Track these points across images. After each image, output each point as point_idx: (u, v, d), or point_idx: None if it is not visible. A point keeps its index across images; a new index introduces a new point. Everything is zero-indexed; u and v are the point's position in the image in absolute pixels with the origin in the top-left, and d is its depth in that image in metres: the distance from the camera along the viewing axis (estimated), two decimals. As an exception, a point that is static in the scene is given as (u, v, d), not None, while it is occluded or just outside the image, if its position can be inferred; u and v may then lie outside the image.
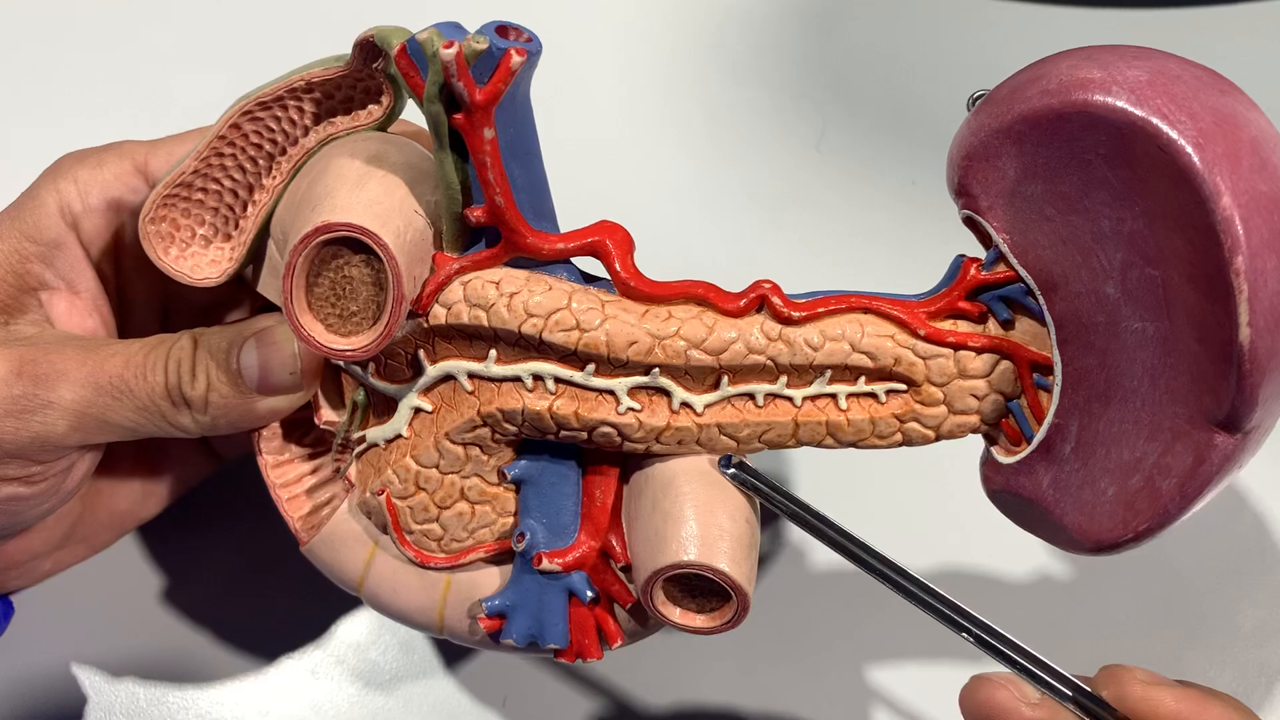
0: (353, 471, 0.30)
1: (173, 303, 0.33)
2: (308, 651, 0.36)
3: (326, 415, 0.30)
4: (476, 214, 0.26)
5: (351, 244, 0.26)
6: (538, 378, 0.27)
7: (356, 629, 0.36)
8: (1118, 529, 0.26)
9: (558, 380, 0.27)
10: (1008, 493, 0.28)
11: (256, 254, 0.30)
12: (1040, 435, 0.27)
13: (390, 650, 0.36)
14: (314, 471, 0.32)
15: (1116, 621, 0.36)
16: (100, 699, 0.35)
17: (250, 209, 0.29)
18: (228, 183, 0.29)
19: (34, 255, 0.29)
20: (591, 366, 0.27)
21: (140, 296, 0.32)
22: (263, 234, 0.29)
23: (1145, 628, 0.36)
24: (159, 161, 0.30)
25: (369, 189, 0.26)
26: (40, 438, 0.28)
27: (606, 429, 0.27)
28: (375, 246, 0.25)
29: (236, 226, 0.30)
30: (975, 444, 0.28)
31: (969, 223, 0.27)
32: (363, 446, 0.30)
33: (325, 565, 0.30)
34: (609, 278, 0.27)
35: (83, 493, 0.31)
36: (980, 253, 0.27)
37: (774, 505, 0.27)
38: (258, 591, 0.36)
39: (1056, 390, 0.26)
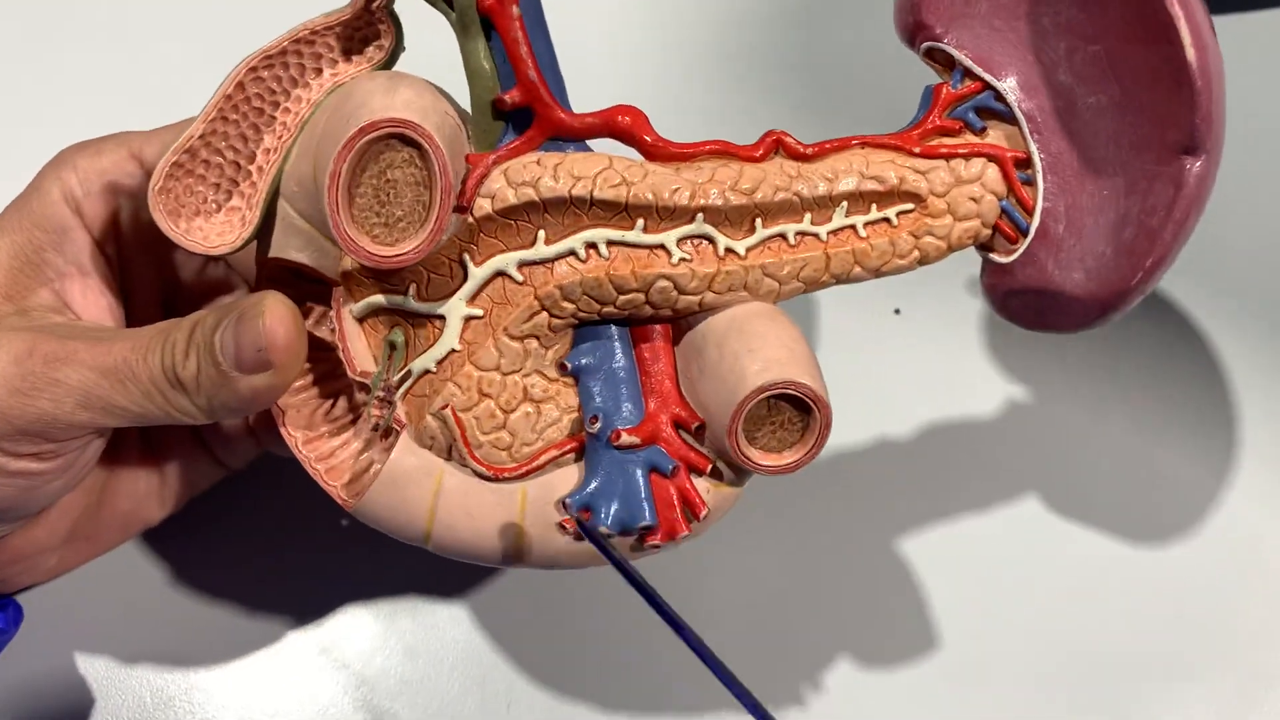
0: (400, 412, 0.29)
1: (173, 287, 0.33)
2: (314, 656, 0.36)
3: (361, 367, 0.30)
4: (511, 95, 0.28)
5: (393, 144, 0.27)
6: (591, 245, 0.28)
7: (362, 635, 0.36)
8: (1127, 275, 0.29)
9: (610, 243, 0.28)
10: (1015, 291, 0.31)
11: (267, 220, 0.30)
12: (1035, 221, 0.30)
13: (395, 655, 0.36)
14: (345, 444, 0.31)
15: (1113, 624, 0.37)
16: (107, 703, 0.35)
17: (256, 175, 0.30)
18: (229, 154, 0.29)
19: (47, 244, 0.30)
20: (641, 222, 0.28)
21: (141, 281, 0.32)
22: (272, 197, 0.30)
23: (1143, 630, 0.37)
24: (154, 149, 0.31)
25: (401, 93, 0.27)
26: (48, 415, 0.28)
27: (663, 283, 0.28)
28: (420, 138, 0.27)
29: (241, 195, 0.30)
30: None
31: (929, 55, 0.31)
32: (409, 382, 0.29)
33: (388, 509, 0.29)
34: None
35: (87, 487, 0.31)
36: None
37: (609, 557, 0.27)
38: (264, 597, 0.36)
39: (1039, 178, 0.30)
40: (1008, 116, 0.30)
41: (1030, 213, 0.30)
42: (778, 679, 0.36)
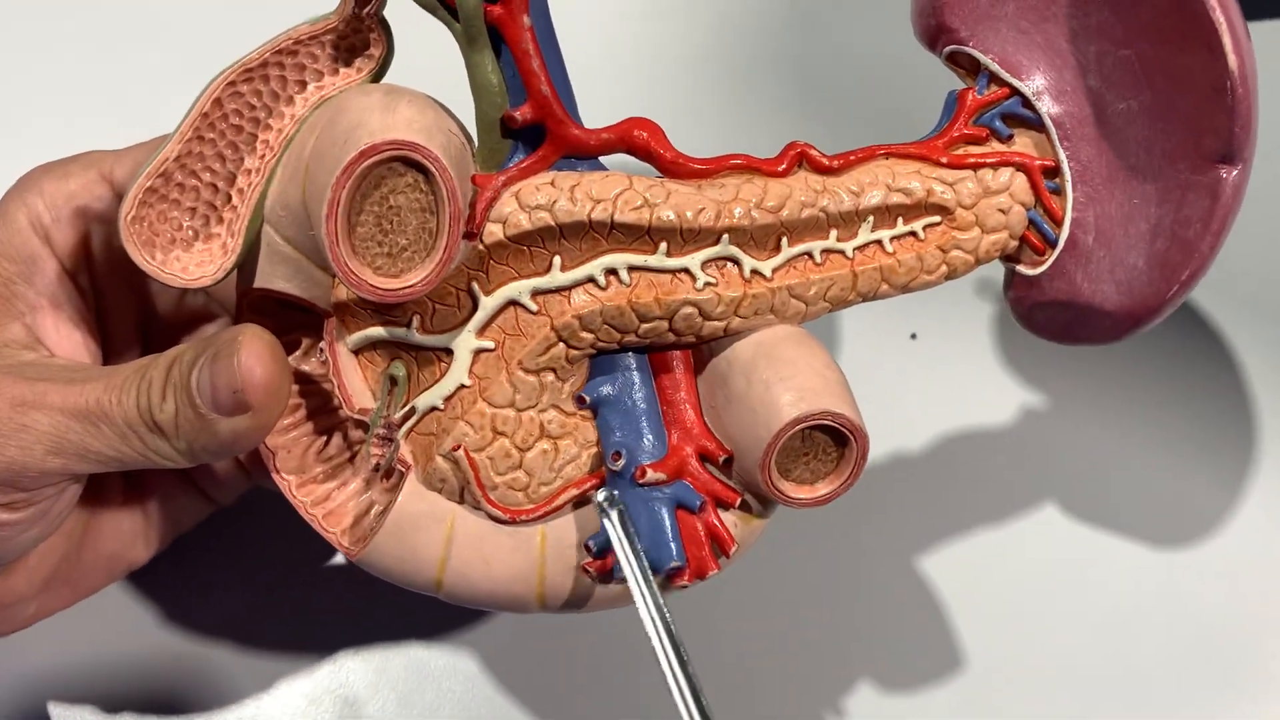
0: (404, 452, 0.27)
1: (151, 317, 0.31)
2: (302, 708, 0.34)
3: (359, 403, 0.27)
4: (522, 112, 0.26)
5: (396, 168, 0.25)
6: (611, 271, 0.26)
7: (353, 684, 0.34)
8: (1161, 289, 0.28)
9: (632, 268, 0.26)
10: (1042, 304, 0.30)
11: (250, 248, 0.27)
12: (1064, 233, 0.29)
13: (389, 705, 0.34)
14: (343, 484, 0.29)
15: (1148, 668, 0.36)
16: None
17: (237, 199, 0.27)
18: (207, 175, 0.27)
19: (16, 275, 0.28)
20: (664, 245, 0.26)
21: (118, 311, 0.30)
22: (255, 223, 0.27)
23: (1178, 674, 0.36)
24: (124, 170, 0.29)
25: (402, 111, 0.25)
26: (17, 464, 0.26)
27: (688, 310, 0.27)
28: (426, 161, 0.24)
29: (221, 220, 0.27)
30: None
31: (952, 59, 0.29)
32: (413, 420, 0.27)
33: (395, 558, 0.27)
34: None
35: (67, 531, 0.29)
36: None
37: (621, 546, 0.26)
38: (251, 641, 0.34)
39: (1069, 186, 0.29)
40: (1035, 123, 0.29)
41: (1059, 223, 0.29)
42: (797, 698, 0.35)
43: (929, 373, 0.39)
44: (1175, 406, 0.39)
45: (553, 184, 0.26)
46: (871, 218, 0.28)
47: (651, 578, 0.26)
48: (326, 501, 0.28)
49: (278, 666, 0.34)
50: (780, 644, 0.35)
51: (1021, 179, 0.29)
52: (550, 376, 0.27)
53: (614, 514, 0.26)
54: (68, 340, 0.29)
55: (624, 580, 0.27)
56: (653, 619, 0.25)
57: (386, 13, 0.27)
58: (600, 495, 0.27)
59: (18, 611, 0.30)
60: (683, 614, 0.34)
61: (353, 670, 0.34)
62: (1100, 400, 0.39)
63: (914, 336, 0.39)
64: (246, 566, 0.35)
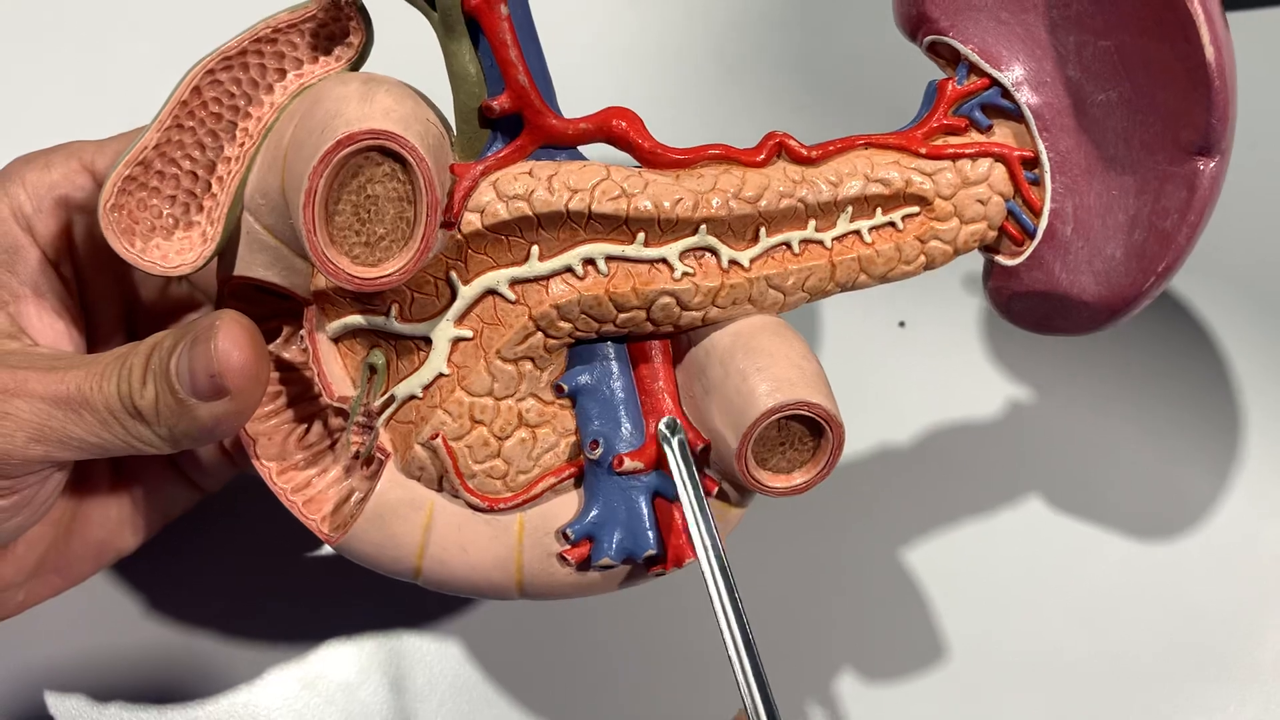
0: (384, 440, 0.28)
1: (135, 304, 0.31)
2: (296, 693, 0.34)
3: (339, 391, 0.28)
4: (500, 102, 0.26)
5: (374, 157, 0.25)
6: (589, 261, 0.26)
7: (345, 669, 0.34)
8: (1138, 280, 0.28)
9: (609, 258, 0.26)
10: (1020, 294, 0.30)
11: (230, 236, 0.27)
12: (1043, 223, 0.29)
13: (380, 690, 0.34)
14: (323, 471, 0.29)
15: (1137, 654, 0.36)
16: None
17: (216, 187, 0.27)
18: (186, 163, 0.27)
19: None
20: (642, 235, 0.26)
21: (102, 300, 0.30)
22: (235, 210, 0.27)
23: (1165, 660, 0.36)
24: (106, 160, 0.29)
25: (379, 100, 0.25)
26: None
27: (666, 300, 0.27)
28: (403, 150, 0.24)
29: (201, 208, 0.27)
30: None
31: (932, 49, 0.29)
32: (392, 408, 0.27)
33: (374, 545, 0.27)
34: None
35: (54, 518, 0.29)
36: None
37: (680, 474, 0.27)
38: (242, 627, 0.34)
39: (1047, 177, 0.29)
40: (1014, 114, 0.29)
41: (1037, 214, 0.29)
42: (785, 692, 0.35)
43: (917, 362, 0.39)
44: (1162, 397, 0.39)
45: (530, 174, 0.26)
46: (850, 208, 0.28)
47: (709, 508, 0.26)
48: (307, 488, 0.28)
49: (270, 653, 0.34)
50: (763, 633, 0.36)
51: (1000, 169, 0.29)
52: (528, 365, 0.27)
53: (675, 441, 0.27)
54: (51, 329, 0.29)
55: (603, 568, 0.27)
56: (705, 548, 0.26)
57: (366, 1, 0.27)
58: (663, 422, 0.27)
59: (6, 599, 0.30)
60: (662, 602, 0.34)
61: (345, 655, 0.34)
62: (1088, 390, 0.39)
63: (902, 324, 0.39)
64: (238, 554, 0.35)
